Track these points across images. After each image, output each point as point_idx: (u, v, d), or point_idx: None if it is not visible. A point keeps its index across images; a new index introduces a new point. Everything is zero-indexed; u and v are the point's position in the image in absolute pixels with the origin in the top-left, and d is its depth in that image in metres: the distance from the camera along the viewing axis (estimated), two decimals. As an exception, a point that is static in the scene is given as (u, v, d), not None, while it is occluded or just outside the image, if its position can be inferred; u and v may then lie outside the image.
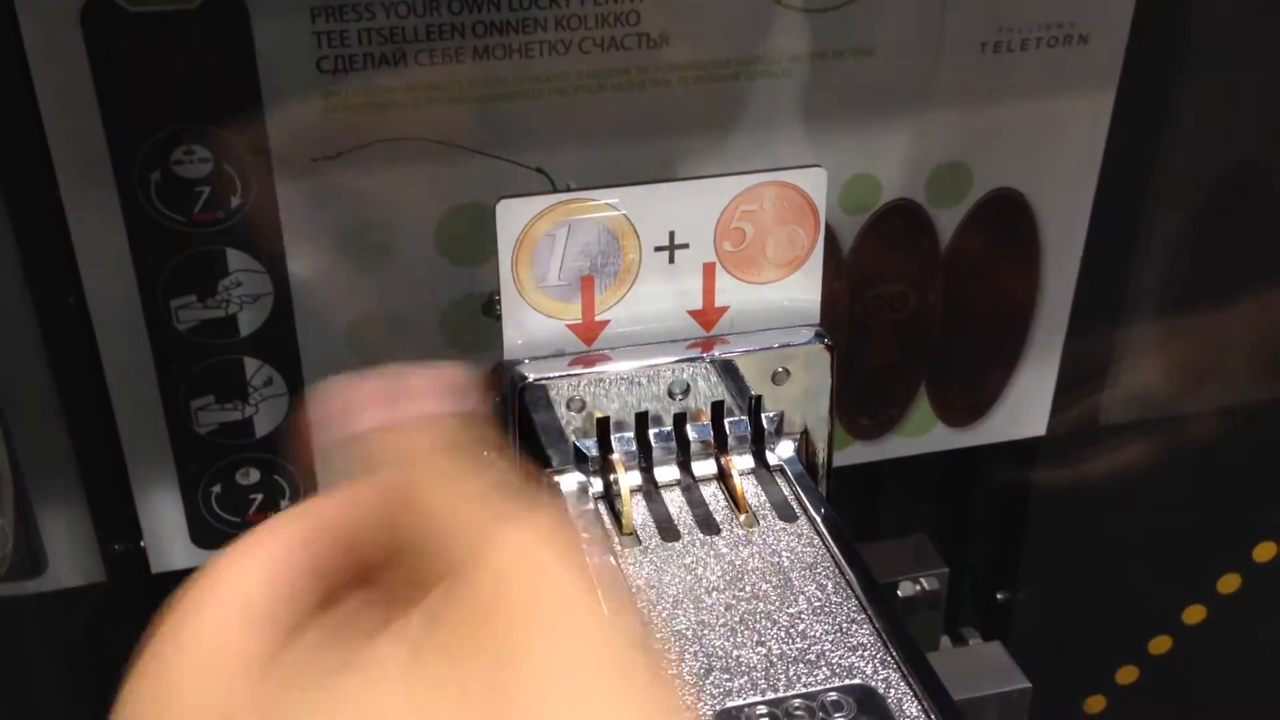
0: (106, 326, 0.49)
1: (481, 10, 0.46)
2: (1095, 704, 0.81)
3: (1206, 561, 0.75)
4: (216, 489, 0.53)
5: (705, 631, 0.28)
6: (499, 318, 0.36)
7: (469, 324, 0.52)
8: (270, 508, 0.54)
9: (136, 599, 0.55)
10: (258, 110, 0.46)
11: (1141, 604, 0.76)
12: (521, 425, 0.33)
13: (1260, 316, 0.62)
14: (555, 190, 0.31)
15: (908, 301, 0.57)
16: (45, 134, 0.45)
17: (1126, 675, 0.80)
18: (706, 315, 0.33)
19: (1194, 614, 0.78)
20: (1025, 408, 0.62)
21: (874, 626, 0.28)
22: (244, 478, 0.53)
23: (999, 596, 0.71)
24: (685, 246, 0.32)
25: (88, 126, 0.45)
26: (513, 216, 0.31)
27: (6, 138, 0.45)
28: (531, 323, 0.33)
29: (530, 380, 0.32)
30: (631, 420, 0.32)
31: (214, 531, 0.54)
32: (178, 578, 0.57)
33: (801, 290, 0.33)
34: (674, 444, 0.32)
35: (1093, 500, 0.67)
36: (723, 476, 0.32)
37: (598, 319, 0.33)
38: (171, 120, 0.45)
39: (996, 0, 0.51)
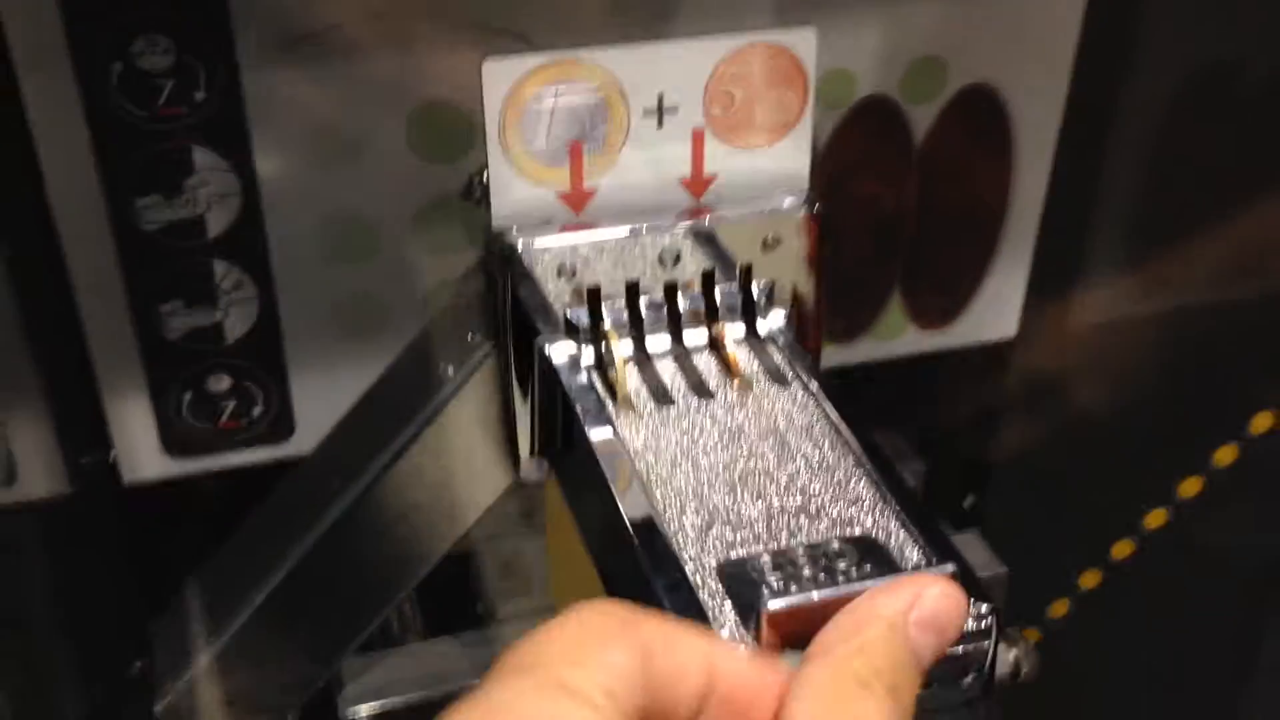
0: (71, 226, 0.47)
1: (451, -105, 0.45)
2: (1059, 608, 0.83)
3: (1169, 465, 0.76)
4: (188, 396, 0.52)
5: (705, 489, 0.28)
6: (478, 201, 0.35)
7: (443, 222, 0.51)
8: (243, 415, 0.53)
9: (106, 510, 0.55)
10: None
11: (1106, 509, 0.77)
12: (510, 295, 0.32)
13: (1232, 216, 0.63)
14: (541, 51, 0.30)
15: (881, 201, 0.57)
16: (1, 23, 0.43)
17: (1090, 579, 0.81)
18: (695, 182, 0.33)
19: (1156, 518, 0.79)
20: (996, 309, 0.62)
21: (871, 480, 0.28)
22: (216, 384, 0.52)
23: (966, 502, 0.72)
24: (674, 111, 0.32)
25: (45, 13, 0.43)
26: (499, 78, 0.30)
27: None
28: (519, 191, 0.32)
29: (519, 248, 0.32)
30: (622, 290, 0.31)
31: (187, 439, 0.53)
32: (149, 488, 0.56)
33: (791, 157, 0.33)
34: (665, 313, 0.32)
35: (1062, 403, 0.68)
36: (714, 344, 0.32)
37: (586, 187, 0.32)
38: (132, 7, 0.44)
39: (972, -110, 0.50)
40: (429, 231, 0.51)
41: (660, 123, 0.32)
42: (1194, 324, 0.68)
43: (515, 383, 0.33)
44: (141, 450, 0.53)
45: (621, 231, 0.32)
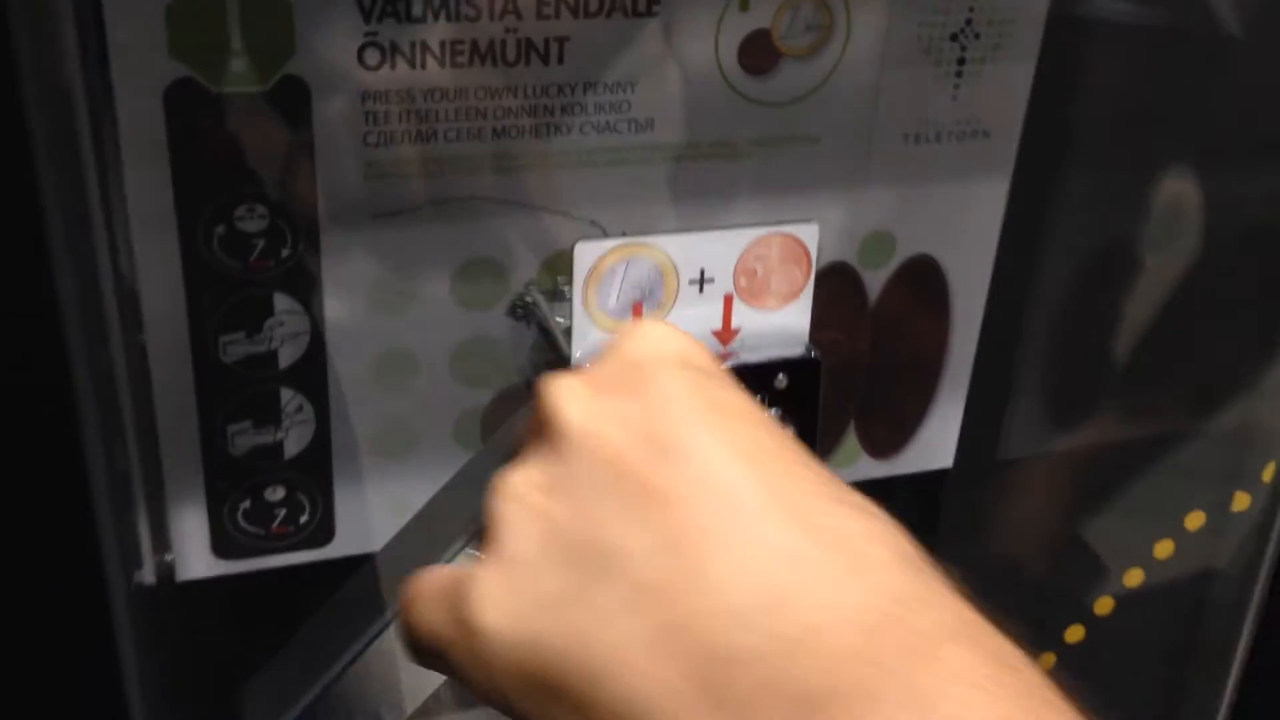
0: (160, 359, 0.56)
1: (500, 98, 0.55)
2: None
3: (1082, 586, 0.85)
4: (246, 504, 0.60)
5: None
6: (519, 317, 0.45)
7: (474, 361, 0.60)
8: (291, 522, 0.61)
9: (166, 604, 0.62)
10: (312, 175, 0.54)
11: (1027, 626, 0.86)
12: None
13: (1128, 366, 0.74)
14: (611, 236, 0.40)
15: (841, 349, 0.67)
16: (124, 188, 0.52)
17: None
18: (724, 334, 0.42)
19: (1074, 633, 0.88)
20: (936, 442, 0.72)
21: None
22: (272, 494, 0.60)
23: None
24: (712, 281, 0.41)
25: (160, 187, 0.52)
26: (586, 255, 0.40)
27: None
28: (594, 337, 0.41)
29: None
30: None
31: (236, 544, 0.61)
32: (200, 585, 0.63)
33: (796, 317, 0.42)
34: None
35: (990, 528, 0.78)
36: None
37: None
38: (239, 183, 0.53)
39: (917, 100, 0.62)
40: (462, 368, 0.60)
41: (701, 289, 0.42)
42: (1105, 460, 0.79)
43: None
44: (193, 553, 0.61)
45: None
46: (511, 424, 0.49)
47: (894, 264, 0.66)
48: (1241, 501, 0.83)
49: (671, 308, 0.41)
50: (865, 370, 0.68)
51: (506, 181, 0.57)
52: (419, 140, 0.55)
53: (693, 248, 0.41)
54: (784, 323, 0.42)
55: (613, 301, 0.41)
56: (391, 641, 0.50)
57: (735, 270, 0.41)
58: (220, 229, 0.54)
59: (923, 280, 0.66)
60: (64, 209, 0.40)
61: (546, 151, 0.56)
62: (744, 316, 0.42)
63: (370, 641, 0.49)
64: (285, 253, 0.55)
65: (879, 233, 0.64)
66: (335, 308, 0.57)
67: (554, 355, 0.43)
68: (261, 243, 0.55)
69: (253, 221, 0.54)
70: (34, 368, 0.40)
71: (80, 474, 0.41)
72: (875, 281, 0.66)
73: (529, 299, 0.43)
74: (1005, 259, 0.67)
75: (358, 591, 0.51)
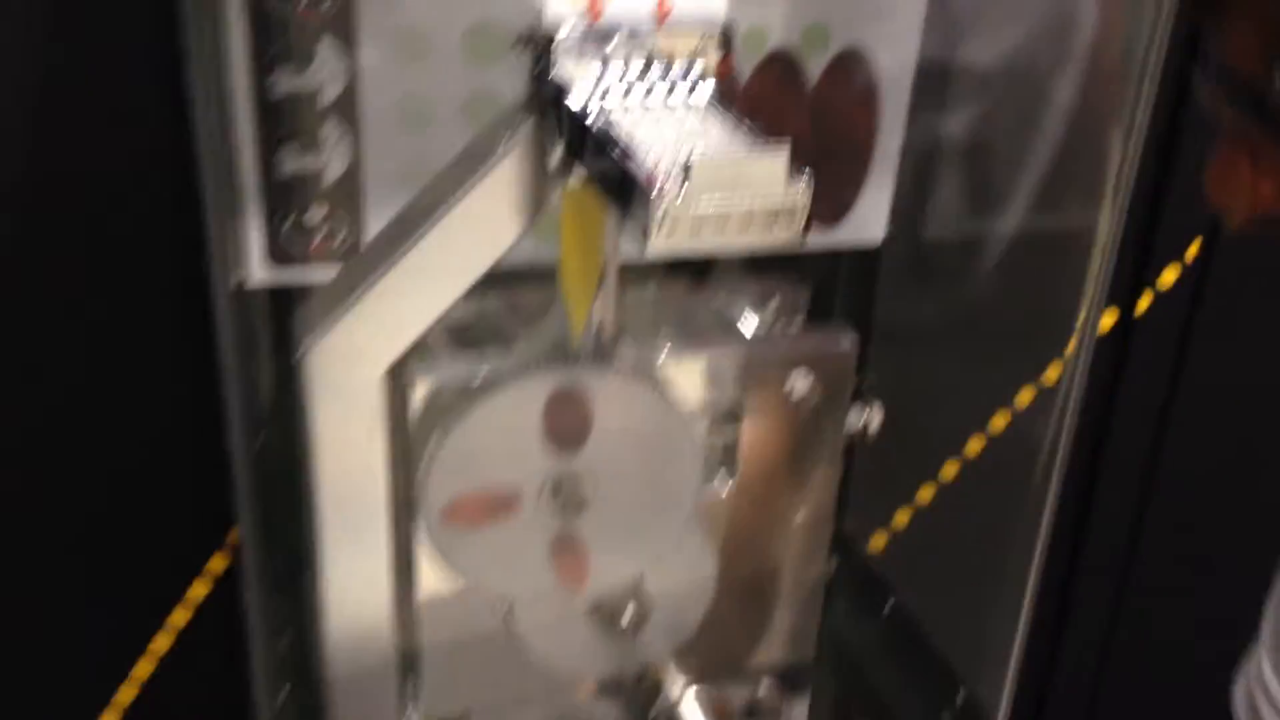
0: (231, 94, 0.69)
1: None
2: (925, 494, 1.04)
3: (1009, 372, 0.97)
4: (291, 220, 0.74)
5: (668, 142, 0.51)
6: (524, 49, 0.59)
7: (480, 109, 0.74)
8: (330, 239, 0.75)
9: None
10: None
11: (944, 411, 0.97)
12: (554, 64, 0.56)
13: (1041, 156, 0.86)
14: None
15: (785, 126, 0.80)
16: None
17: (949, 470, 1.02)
18: (661, 11, 0.56)
19: (974, 447, 0.99)
20: (870, 217, 0.85)
21: (745, 139, 0.51)
22: (315, 213, 0.74)
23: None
24: (655, -35, 0.55)
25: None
26: (557, -69, 0.54)
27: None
28: (563, 4, 0.55)
29: (561, 37, 0.55)
30: (621, 65, 0.55)
31: (286, 254, 0.75)
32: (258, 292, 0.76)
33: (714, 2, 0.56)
34: (644, 80, 0.55)
35: (919, 290, 0.90)
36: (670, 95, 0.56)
37: (600, 6, 0.56)
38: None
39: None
40: (470, 114, 0.74)
41: (646, -29, 0.55)
42: (1020, 243, 0.90)
43: (557, 120, 0.56)
44: (250, 261, 0.75)
45: (619, 32, 0.56)
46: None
47: (829, 52, 0.79)
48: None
49: (620, -13, 0.55)
50: (806, 146, 0.81)
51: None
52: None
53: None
54: (703, 5, 0.56)
55: (579, -23, 0.55)
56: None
57: (669, -41, 0.55)
58: (277, -19, 0.67)
59: (854, 68, 0.79)
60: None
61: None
62: (675, -1, 0.56)
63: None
64: (327, 4, 0.69)
65: (816, 24, 0.78)
66: (369, 53, 0.71)
67: (542, 60, 0.57)
68: (311, -6, 0.68)
69: (304, -25, 0.68)
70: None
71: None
72: (814, 67, 0.79)
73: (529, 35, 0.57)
74: (928, 53, 0.80)
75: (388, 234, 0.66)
